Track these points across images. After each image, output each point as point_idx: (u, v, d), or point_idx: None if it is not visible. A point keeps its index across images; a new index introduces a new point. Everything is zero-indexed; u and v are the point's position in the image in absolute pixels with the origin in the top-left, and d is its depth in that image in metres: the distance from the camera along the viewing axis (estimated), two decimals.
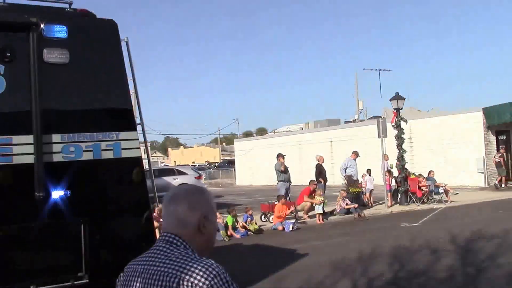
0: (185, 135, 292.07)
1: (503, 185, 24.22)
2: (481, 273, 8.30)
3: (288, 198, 17.36)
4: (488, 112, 25.34)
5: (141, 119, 6.20)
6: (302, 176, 26.28)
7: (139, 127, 5.88)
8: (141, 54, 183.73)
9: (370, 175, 19.59)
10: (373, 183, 19.87)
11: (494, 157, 25.19)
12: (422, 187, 19.34)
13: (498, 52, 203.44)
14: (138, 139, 5.57)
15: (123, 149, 5.36)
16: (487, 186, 24.90)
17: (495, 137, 25.85)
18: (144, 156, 6.25)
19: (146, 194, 5.65)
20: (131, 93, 5.83)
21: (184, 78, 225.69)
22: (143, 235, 5.52)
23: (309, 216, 16.55)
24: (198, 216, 2.01)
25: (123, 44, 5.64)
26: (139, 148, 5.57)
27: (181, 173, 24.60)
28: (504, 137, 26.11)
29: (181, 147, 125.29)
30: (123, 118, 5.59)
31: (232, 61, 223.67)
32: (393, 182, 19.99)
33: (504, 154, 25.37)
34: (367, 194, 19.48)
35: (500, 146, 25.84)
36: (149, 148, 6.27)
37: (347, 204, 17.10)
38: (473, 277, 8.15)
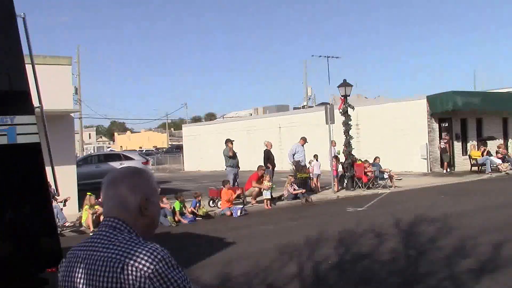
0: (132, 119, 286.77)
1: (448, 170, 25.16)
2: (422, 256, 8.55)
3: (236, 183, 17.40)
4: (432, 100, 26.06)
5: (40, 103, 5.76)
6: (250, 161, 26.34)
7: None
8: (82, 34, 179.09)
9: (317, 160, 19.82)
10: (320, 169, 20.13)
11: (440, 143, 26.04)
12: (367, 173, 19.75)
13: (443, 42, 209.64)
14: (36, 124, 5.07)
15: (18, 134, 4.92)
16: (429, 172, 25.70)
17: (438, 124, 26.66)
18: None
19: (45, 183, 5.25)
20: (35, 75, 5.46)
21: (131, 61, 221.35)
22: (41, 227, 5.16)
23: (257, 201, 16.63)
24: (140, 198, 1.95)
25: (20, 21, 5.19)
26: (37, 133, 5.08)
27: (127, 158, 24.19)
28: (446, 125, 26.98)
29: (128, 132, 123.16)
30: (19, 101, 5.09)
31: (181, 44, 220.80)
32: (340, 168, 20.32)
33: (450, 141, 26.30)
34: (315, 179, 19.72)
35: (445, 133, 26.72)
36: (47, 133, 5.77)
37: (294, 189, 17.26)
38: (415, 259, 8.39)
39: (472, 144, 27.21)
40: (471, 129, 28.27)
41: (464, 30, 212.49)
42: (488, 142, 26.83)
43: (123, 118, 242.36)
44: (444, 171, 25.14)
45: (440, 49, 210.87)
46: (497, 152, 25.82)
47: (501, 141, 28.99)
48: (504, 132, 30.20)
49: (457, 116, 27.32)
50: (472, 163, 25.54)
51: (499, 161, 24.58)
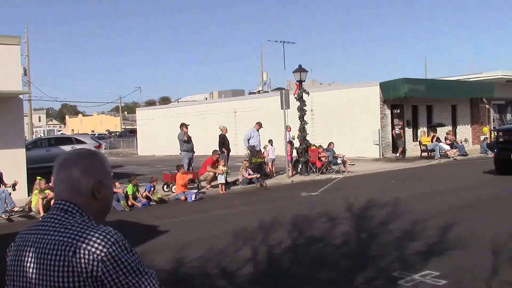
0: (84, 102, 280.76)
1: (401, 156, 25.79)
2: (373, 239, 8.75)
3: (191, 168, 17.31)
4: (385, 87, 26.53)
5: None
6: (205, 146, 26.22)
7: None
8: (32, 12, 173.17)
9: (272, 145, 19.92)
10: (275, 153, 20.24)
11: (395, 129, 26.63)
12: (321, 158, 19.99)
13: (396, 29, 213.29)
14: None
15: None
16: (381, 157, 26.24)
17: (390, 111, 27.20)
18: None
19: None
20: None
21: (83, 42, 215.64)
22: None
23: (212, 186, 16.59)
24: (92, 181, 1.91)
25: None
26: None
27: (79, 142, 23.65)
28: (398, 111, 27.55)
29: (80, 115, 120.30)
30: None
31: (136, 25, 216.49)
32: (295, 153, 20.48)
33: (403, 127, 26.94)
34: (269, 164, 19.82)
35: (398, 120, 27.32)
36: None
37: (249, 174, 17.31)
38: (366, 242, 8.57)
39: (422, 130, 27.92)
40: (421, 115, 29.00)
41: (417, 18, 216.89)
42: (438, 128, 27.57)
43: (75, 101, 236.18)
44: (399, 155, 25.73)
45: (393, 36, 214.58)
46: (446, 139, 26.61)
47: (450, 128, 29.88)
48: (453, 119, 31.13)
49: (409, 103, 27.95)
50: (422, 149, 26.23)
51: (448, 147, 25.33)
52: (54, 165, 1.95)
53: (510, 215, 10.62)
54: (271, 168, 19.83)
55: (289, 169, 19.32)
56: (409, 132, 28.16)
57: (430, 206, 11.81)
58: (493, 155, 18.30)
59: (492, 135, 27.51)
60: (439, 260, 7.18)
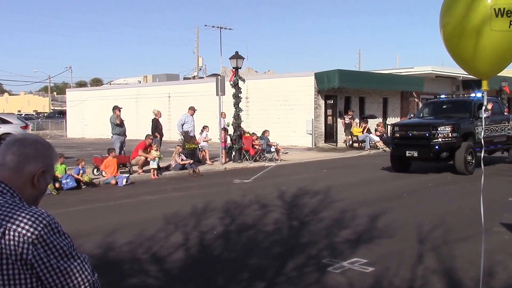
0: (11, 81, 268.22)
1: (351, 144, 26.60)
2: (305, 226, 8.86)
3: (123, 152, 16.91)
4: (319, 77, 26.93)
5: None
6: (138, 130, 25.72)
7: None
8: None
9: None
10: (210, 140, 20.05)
11: (344, 119, 27.23)
12: (255, 146, 20.05)
13: (332, 22, 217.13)
14: None
15: None
16: (314, 147, 26.69)
17: (324, 101, 27.67)
18: None
19: None
20: None
21: (9, 17, 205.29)
22: None
23: (143, 171, 16.27)
24: (37, 168, 1.83)
25: None
26: None
27: (5, 122, 22.58)
28: (332, 102, 28.09)
29: (6, 94, 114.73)
30: None
31: (67, 2, 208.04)
32: (228, 140, 20.44)
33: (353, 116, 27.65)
34: (206, 151, 19.46)
35: (349, 110, 27.99)
36: None
37: (182, 159, 17.11)
38: (297, 229, 8.67)
39: (354, 121, 28.63)
40: (354, 106, 29.68)
41: (353, 11, 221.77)
42: (369, 120, 28.36)
43: (0, 79, 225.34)
44: (350, 144, 26.55)
45: (329, 28, 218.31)
46: (376, 130, 27.42)
47: (381, 120, 30.80)
48: (383, 111, 32.09)
49: (342, 94, 28.52)
50: (353, 139, 26.90)
51: (377, 139, 26.11)
52: (6, 142, 1.88)
53: (434, 204, 11.06)
54: (205, 154, 19.54)
55: (222, 156, 19.25)
56: (341, 122, 28.82)
57: (359, 195, 12.11)
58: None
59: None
60: (367, 248, 7.36)
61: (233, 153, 20.10)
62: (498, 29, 4.35)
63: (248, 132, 21.07)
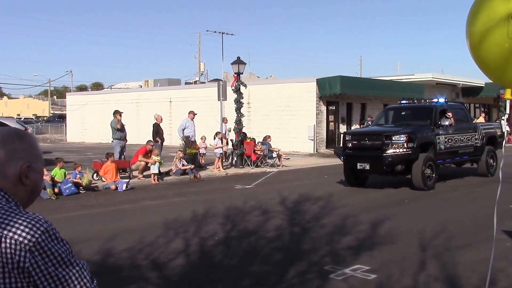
0: (10, 84, 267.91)
1: None
2: (306, 232, 8.80)
3: (123, 157, 16.87)
4: (321, 83, 26.94)
5: None
6: (139, 135, 25.69)
7: None
8: None
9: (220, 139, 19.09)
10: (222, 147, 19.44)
11: (363, 124, 27.10)
12: (257, 151, 20.01)
13: (336, 28, 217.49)
14: None
15: None
16: (316, 152, 26.64)
17: (326, 107, 27.66)
18: None
19: None
20: None
21: (9, 20, 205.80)
22: None
23: (144, 176, 16.22)
24: (20, 165, 1.74)
25: None
26: None
27: (3, 125, 22.52)
28: (333, 108, 28.08)
29: (5, 97, 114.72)
30: None
31: (68, 7, 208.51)
32: (230, 145, 20.38)
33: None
34: (217, 159, 18.96)
35: (368, 116, 27.88)
36: None
37: (183, 165, 17.06)
38: (299, 236, 8.61)
39: (355, 127, 28.61)
40: (356, 112, 29.67)
41: (354, 17, 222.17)
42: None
43: (0, 82, 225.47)
44: None
45: (331, 34, 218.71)
46: None
47: None
48: None
49: (344, 100, 28.52)
50: None
51: None
52: None
53: (436, 211, 11.00)
54: (220, 164, 18.93)
55: (224, 161, 19.14)
56: (343, 128, 28.78)
57: (361, 202, 12.06)
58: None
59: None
60: (369, 255, 7.30)
61: (235, 158, 20.03)
62: None
63: (250, 138, 21.03)
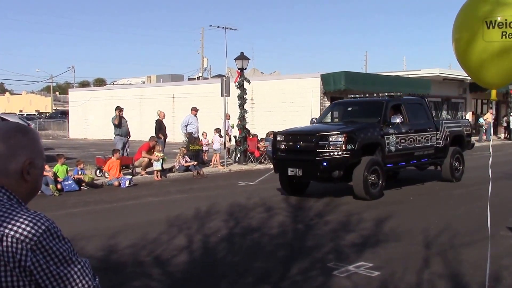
0: (12, 80, 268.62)
1: None
2: (310, 229, 8.78)
3: (126, 153, 16.85)
4: (325, 79, 26.85)
5: None
6: (142, 131, 25.69)
7: None
8: None
9: (220, 136, 19.13)
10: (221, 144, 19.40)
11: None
12: (260, 148, 19.96)
13: (339, 23, 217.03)
14: None
15: None
16: None
17: (330, 102, 27.53)
18: None
19: None
20: None
21: (12, 16, 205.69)
22: None
23: (147, 173, 16.21)
24: (22, 161, 1.72)
25: None
26: None
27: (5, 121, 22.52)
28: None
29: (7, 93, 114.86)
30: None
31: (68, 2, 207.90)
32: (233, 141, 20.30)
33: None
34: (217, 155, 19.04)
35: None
36: None
37: (186, 161, 17.04)
38: (302, 232, 8.59)
39: None
40: None
41: (360, 13, 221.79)
42: None
43: (2, 78, 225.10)
44: None
45: (335, 29, 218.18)
46: None
47: None
48: None
49: (348, 96, 28.33)
50: None
51: None
52: None
53: (440, 208, 10.95)
54: (218, 159, 18.89)
55: (227, 158, 19.10)
56: None
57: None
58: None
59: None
60: (372, 252, 7.27)
61: (238, 154, 19.98)
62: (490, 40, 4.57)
63: (253, 134, 20.97)
